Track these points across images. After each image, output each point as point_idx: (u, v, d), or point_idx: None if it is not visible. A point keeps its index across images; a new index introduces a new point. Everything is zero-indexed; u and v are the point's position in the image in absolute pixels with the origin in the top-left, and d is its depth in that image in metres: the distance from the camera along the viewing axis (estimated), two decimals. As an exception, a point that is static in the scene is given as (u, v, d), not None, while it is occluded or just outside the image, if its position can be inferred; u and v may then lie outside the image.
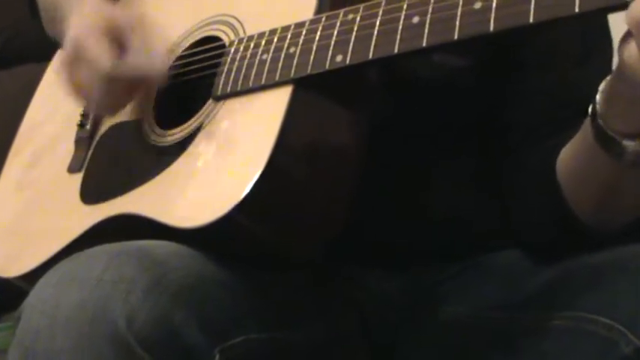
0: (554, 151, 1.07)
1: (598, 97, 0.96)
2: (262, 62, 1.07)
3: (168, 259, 1.01)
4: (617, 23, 0.92)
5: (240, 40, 1.12)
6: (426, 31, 0.96)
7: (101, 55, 1.11)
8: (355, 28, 1.02)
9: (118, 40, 1.12)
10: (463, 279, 1.17)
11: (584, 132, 1.00)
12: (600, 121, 0.96)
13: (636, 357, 0.95)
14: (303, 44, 1.05)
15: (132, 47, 1.11)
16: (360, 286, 1.18)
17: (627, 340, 0.96)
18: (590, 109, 0.97)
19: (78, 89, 1.15)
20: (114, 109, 1.17)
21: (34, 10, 1.37)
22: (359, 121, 1.08)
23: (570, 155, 1.05)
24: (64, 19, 1.21)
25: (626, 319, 0.98)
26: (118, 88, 1.12)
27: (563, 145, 1.06)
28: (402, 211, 1.16)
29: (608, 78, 0.96)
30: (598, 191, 1.04)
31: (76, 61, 1.13)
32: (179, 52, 1.20)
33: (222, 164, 1.07)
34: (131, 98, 1.18)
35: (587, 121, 0.99)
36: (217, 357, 1.00)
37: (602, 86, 0.96)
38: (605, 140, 0.96)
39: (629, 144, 0.95)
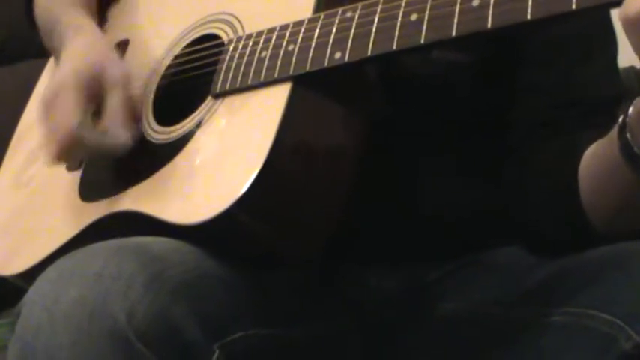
0: (569, 150, 1.07)
1: (631, 109, 0.95)
2: (261, 60, 1.08)
3: (168, 254, 1.02)
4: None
5: (239, 39, 1.12)
6: (424, 28, 0.97)
7: (70, 113, 1.14)
8: (354, 26, 1.02)
9: (96, 94, 1.16)
10: (462, 276, 1.17)
11: (610, 141, 0.99)
12: (628, 136, 0.95)
13: (636, 352, 0.95)
14: (301, 42, 1.05)
15: (104, 114, 1.15)
16: (358, 284, 1.18)
17: (627, 336, 0.96)
18: (620, 120, 0.96)
19: (45, 131, 1.18)
20: (64, 162, 1.20)
21: (31, 20, 1.38)
22: (357, 118, 1.08)
23: (591, 161, 1.05)
24: (60, 44, 1.25)
25: (625, 314, 0.97)
26: (75, 148, 1.15)
27: (579, 144, 1.06)
28: (400, 208, 1.16)
29: None
30: (615, 202, 1.03)
31: (51, 106, 1.16)
32: (178, 50, 1.21)
33: (221, 161, 1.07)
34: (86, 157, 1.23)
35: (614, 132, 0.97)
36: (216, 352, 1.00)
37: (637, 99, 0.94)
38: (630, 156, 0.95)
39: None
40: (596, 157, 1.05)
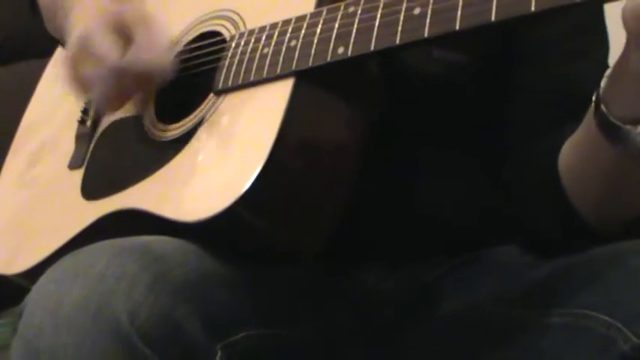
0: (555, 145, 1.07)
1: (603, 81, 0.96)
2: (263, 56, 1.07)
3: (171, 255, 1.01)
4: (614, 19, 0.92)
5: (241, 35, 1.12)
6: (428, 21, 0.96)
7: (109, 49, 1.11)
8: (356, 20, 1.01)
9: (123, 35, 1.12)
10: (461, 275, 1.17)
11: (587, 123, 1.00)
12: (603, 107, 0.96)
13: (634, 354, 0.95)
14: (304, 37, 1.05)
15: (138, 43, 1.11)
16: (358, 283, 1.18)
17: (625, 338, 0.96)
18: (594, 98, 0.97)
19: (82, 85, 1.14)
20: (118, 105, 1.17)
21: (34, 8, 1.37)
22: (360, 115, 1.07)
23: (573, 148, 1.05)
24: (65, 16, 1.21)
25: (624, 316, 0.97)
26: (124, 83, 1.12)
27: (564, 139, 1.06)
28: (399, 206, 1.16)
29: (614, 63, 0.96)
30: (600, 186, 1.03)
31: (82, 56, 1.13)
32: (180, 47, 1.20)
33: (223, 158, 1.07)
34: (134, 94, 1.17)
35: (590, 112, 0.98)
36: (219, 353, 1.00)
37: (607, 72, 0.96)
38: (607, 127, 0.96)
39: (632, 130, 0.94)
40: (574, 144, 1.05)
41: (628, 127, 0.95)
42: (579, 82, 1.08)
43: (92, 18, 1.14)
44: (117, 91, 1.13)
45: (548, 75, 1.12)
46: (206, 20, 1.19)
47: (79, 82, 1.15)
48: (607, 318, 0.98)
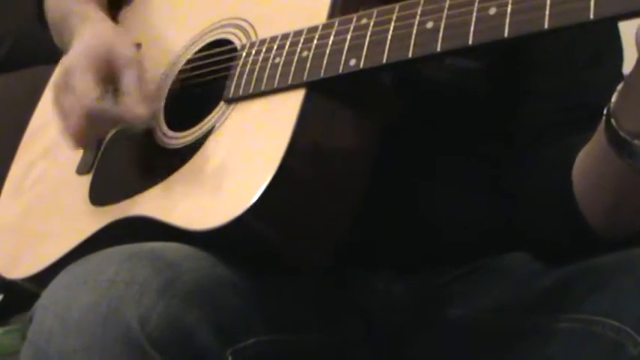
0: (567, 153, 1.07)
1: (614, 96, 0.97)
2: (275, 66, 1.07)
3: (181, 260, 1.02)
4: (627, 28, 0.93)
5: (252, 44, 1.12)
6: (441, 36, 0.97)
7: (86, 89, 1.13)
8: (369, 33, 1.02)
9: (109, 76, 1.15)
10: (470, 281, 1.17)
11: (598, 136, 1.01)
12: (613, 122, 0.96)
13: None
14: (316, 48, 1.05)
15: (120, 90, 1.14)
16: (367, 289, 1.18)
17: (635, 342, 0.97)
18: (604, 111, 0.98)
19: (61, 114, 1.16)
20: (83, 142, 1.18)
21: (42, 21, 1.38)
22: (371, 125, 1.08)
23: (584, 160, 1.06)
24: (71, 36, 1.24)
25: (634, 321, 0.98)
26: (95, 124, 1.14)
27: (576, 147, 1.06)
28: (409, 213, 1.16)
29: (625, 78, 0.96)
30: (609, 197, 1.04)
31: (64, 86, 1.15)
32: (190, 54, 1.21)
33: (233, 167, 1.07)
34: (105, 135, 1.22)
35: (601, 124, 0.99)
36: (230, 359, 1.00)
37: (619, 86, 0.97)
38: (617, 142, 0.97)
39: None
40: (587, 155, 1.05)
41: (637, 142, 0.95)
42: (590, 91, 1.08)
43: (82, 52, 1.17)
44: (86, 129, 1.14)
45: (562, 82, 1.13)
46: (217, 28, 1.19)
47: (60, 110, 1.17)
48: (616, 323, 0.98)
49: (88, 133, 1.15)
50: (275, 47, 1.09)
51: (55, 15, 1.34)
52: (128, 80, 1.14)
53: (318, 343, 1.11)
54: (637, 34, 0.88)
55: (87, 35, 1.21)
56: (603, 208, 1.05)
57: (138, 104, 1.12)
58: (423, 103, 1.14)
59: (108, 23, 1.25)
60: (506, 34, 0.93)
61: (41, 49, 1.39)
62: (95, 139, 1.23)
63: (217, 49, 1.17)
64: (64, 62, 1.18)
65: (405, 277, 1.18)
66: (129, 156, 1.21)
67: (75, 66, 1.15)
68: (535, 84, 1.14)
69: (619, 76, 1.11)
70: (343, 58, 1.03)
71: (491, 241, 1.18)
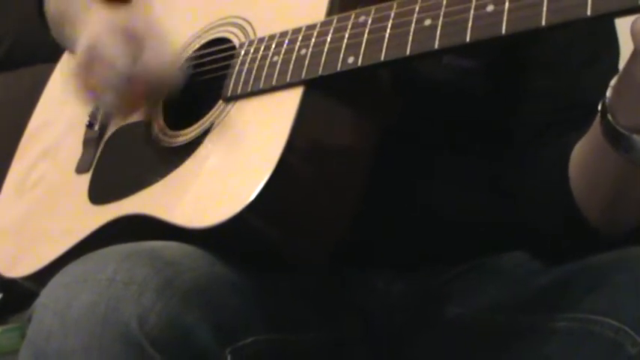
0: (563, 151, 1.08)
1: (608, 91, 0.97)
2: (273, 64, 1.08)
3: (180, 259, 1.02)
4: (624, 26, 0.93)
5: (251, 42, 1.12)
6: (438, 33, 0.97)
7: (120, 55, 1.11)
8: (367, 30, 1.02)
9: (133, 45, 1.12)
10: (468, 280, 1.18)
11: (594, 131, 1.01)
12: (609, 116, 0.96)
13: None
14: (314, 46, 1.05)
15: (149, 52, 1.11)
16: (366, 288, 1.18)
17: (633, 342, 0.97)
18: (599, 106, 0.98)
19: (91, 92, 1.14)
20: (127, 112, 1.17)
21: (43, 22, 1.38)
22: (369, 123, 1.08)
23: (580, 156, 1.06)
24: (73, 29, 1.22)
25: (632, 320, 0.98)
26: (134, 90, 1.12)
27: (572, 145, 1.06)
28: (409, 212, 1.16)
29: (621, 70, 0.96)
30: (606, 193, 1.04)
31: (91, 63, 1.13)
32: (189, 53, 1.20)
33: (232, 165, 1.07)
34: (144, 103, 1.18)
35: (597, 119, 0.99)
36: (228, 357, 1.00)
37: (613, 81, 0.97)
38: (613, 136, 0.97)
39: (637, 139, 0.95)
40: (583, 150, 1.06)
41: (634, 136, 0.96)
42: (589, 88, 1.08)
43: (102, 27, 1.14)
44: (126, 99, 1.13)
45: (560, 80, 1.13)
46: (216, 27, 1.19)
47: (88, 89, 1.15)
48: (615, 322, 0.98)
49: (129, 102, 1.13)
50: (273, 45, 1.09)
51: (56, 12, 1.33)
52: (154, 44, 1.12)
53: (316, 342, 1.11)
54: (632, 26, 0.88)
55: (98, 11, 1.19)
56: (600, 204, 1.05)
57: (170, 64, 1.11)
58: (421, 101, 1.14)
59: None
60: (503, 31, 0.92)
61: (41, 48, 1.39)
62: (138, 108, 1.18)
63: (216, 48, 1.17)
64: (85, 37, 1.15)
65: (403, 276, 1.18)
66: (128, 154, 1.21)
67: (99, 39, 1.13)
68: (533, 83, 1.14)
69: (616, 73, 1.11)
70: (341, 55, 1.03)
71: (489, 240, 1.18)
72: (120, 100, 1.13)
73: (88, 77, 1.14)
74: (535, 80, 1.14)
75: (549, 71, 1.14)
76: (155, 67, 1.11)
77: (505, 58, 1.13)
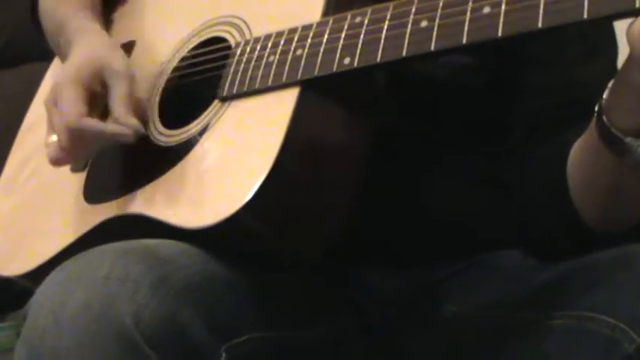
0: (562, 150, 1.08)
1: (605, 93, 0.97)
2: (269, 64, 1.08)
3: (175, 257, 1.02)
4: (624, 26, 0.93)
5: (247, 42, 1.12)
6: (435, 35, 0.97)
7: (71, 106, 1.13)
8: (363, 31, 1.02)
9: (101, 93, 1.16)
10: (465, 277, 1.18)
11: (590, 132, 1.01)
12: (604, 118, 0.97)
13: (639, 356, 0.96)
14: (310, 47, 1.05)
15: (109, 105, 1.15)
16: (362, 286, 1.19)
17: (630, 339, 0.97)
18: (596, 108, 0.98)
19: (51, 131, 1.17)
20: (72, 160, 1.19)
21: (36, 25, 1.38)
22: (366, 122, 1.08)
23: (578, 155, 1.06)
24: (68, 46, 1.24)
25: (629, 317, 0.98)
26: (79, 141, 1.14)
27: (571, 143, 1.07)
28: (406, 210, 1.17)
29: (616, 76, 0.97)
30: (602, 193, 1.04)
31: (53, 103, 1.16)
32: (185, 52, 1.21)
33: (228, 165, 1.07)
34: (94, 152, 1.21)
35: (593, 121, 0.99)
36: (223, 356, 1.00)
37: (611, 83, 0.97)
38: (609, 138, 0.97)
39: (632, 142, 0.96)
40: (580, 151, 1.06)
41: (629, 139, 0.96)
42: (586, 85, 1.09)
43: (73, 68, 1.17)
44: (70, 146, 1.14)
45: (557, 77, 1.13)
46: (211, 26, 1.19)
47: (49, 125, 1.18)
48: (611, 319, 0.98)
49: (73, 151, 1.15)
50: (269, 45, 1.09)
51: (50, 24, 1.34)
52: (117, 93, 1.14)
53: (312, 340, 1.11)
54: (629, 30, 0.89)
55: (82, 49, 1.21)
56: (596, 203, 1.06)
57: (123, 117, 1.13)
58: (418, 100, 1.14)
59: (102, 37, 1.25)
60: (500, 34, 0.93)
61: (36, 46, 1.39)
62: (84, 157, 1.24)
63: (212, 47, 1.17)
64: (56, 78, 1.19)
65: (401, 274, 1.18)
66: (123, 154, 1.21)
67: (64, 82, 1.16)
68: (530, 80, 1.14)
69: (613, 71, 1.11)
70: (337, 56, 1.03)
71: (487, 237, 1.18)
72: (64, 145, 1.14)
73: (50, 114, 1.17)
74: (532, 78, 1.14)
75: (546, 69, 1.14)
76: (104, 127, 1.13)
77: (502, 55, 1.13)
